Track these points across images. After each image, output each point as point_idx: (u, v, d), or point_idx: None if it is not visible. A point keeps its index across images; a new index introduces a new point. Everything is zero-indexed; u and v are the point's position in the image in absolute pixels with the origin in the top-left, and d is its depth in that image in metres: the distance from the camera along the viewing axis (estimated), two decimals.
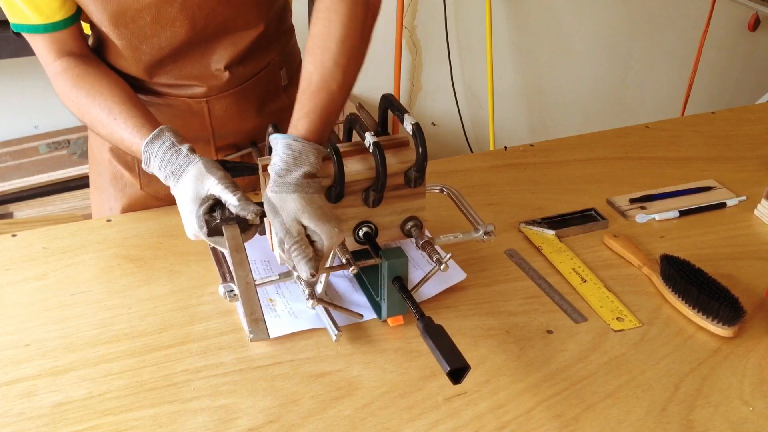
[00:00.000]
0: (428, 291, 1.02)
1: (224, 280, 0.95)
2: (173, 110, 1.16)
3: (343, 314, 0.97)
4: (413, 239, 1.00)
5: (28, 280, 1.06)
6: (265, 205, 0.89)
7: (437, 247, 1.08)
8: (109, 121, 1.00)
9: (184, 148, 0.93)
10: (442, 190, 1.11)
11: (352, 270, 0.93)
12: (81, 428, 0.83)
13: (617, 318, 1.00)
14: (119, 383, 0.89)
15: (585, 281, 1.06)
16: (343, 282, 1.06)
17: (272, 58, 1.19)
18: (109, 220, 1.19)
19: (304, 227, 0.87)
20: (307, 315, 0.98)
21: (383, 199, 0.97)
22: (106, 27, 1.04)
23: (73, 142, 2.40)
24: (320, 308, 0.96)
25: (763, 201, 1.22)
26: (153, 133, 0.95)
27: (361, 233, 0.98)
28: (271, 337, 0.92)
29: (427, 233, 1.01)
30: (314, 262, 0.85)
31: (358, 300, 1.03)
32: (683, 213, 1.22)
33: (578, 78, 3.16)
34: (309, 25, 0.97)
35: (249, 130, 1.22)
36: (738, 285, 1.06)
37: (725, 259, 1.12)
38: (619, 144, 1.44)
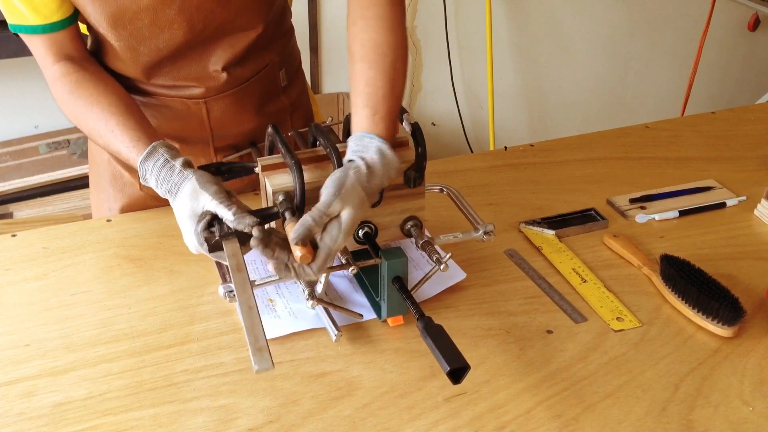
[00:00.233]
0: (428, 291, 1.02)
1: (224, 280, 0.95)
2: (171, 111, 1.16)
3: (343, 314, 0.97)
4: (413, 239, 1.00)
5: (28, 280, 1.06)
6: (334, 177, 0.89)
7: (437, 247, 1.08)
8: (106, 132, 1.00)
9: (178, 163, 0.93)
10: (441, 190, 1.11)
11: (352, 270, 0.93)
12: (81, 428, 0.83)
13: (617, 318, 1.00)
14: (119, 383, 0.89)
15: (585, 281, 1.06)
16: (343, 282, 1.06)
17: (271, 59, 1.18)
18: (109, 220, 1.19)
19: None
20: (307, 315, 0.98)
21: (383, 199, 0.97)
22: (104, 28, 1.04)
23: (73, 142, 2.40)
24: (320, 308, 0.96)
25: (763, 201, 1.22)
26: (146, 151, 0.94)
27: (360, 233, 0.98)
28: (269, 338, 0.92)
29: (426, 233, 1.01)
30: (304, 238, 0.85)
31: (358, 300, 1.03)
32: (683, 213, 1.22)
33: (578, 78, 3.16)
34: (353, 29, 0.99)
35: (248, 131, 1.21)
36: (738, 285, 1.06)
37: (725, 259, 1.12)
38: (619, 144, 1.44)
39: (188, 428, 0.84)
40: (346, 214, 0.86)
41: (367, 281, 1.01)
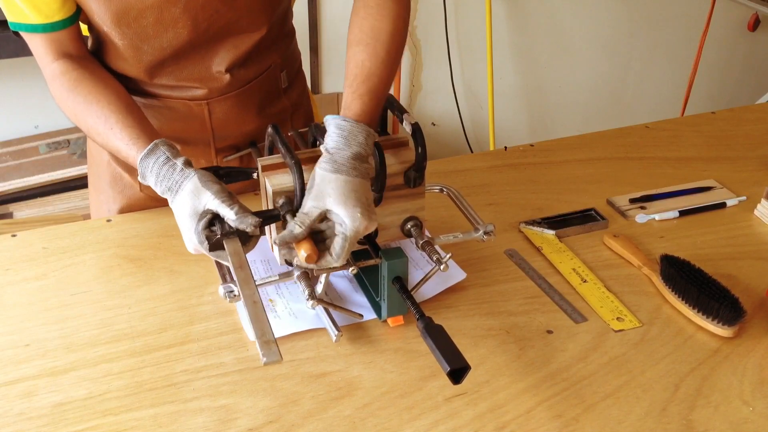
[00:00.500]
0: (428, 291, 1.02)
1: (224, 280, 0.95)
2: (173, 112, 1.16)
3: (343, 314, 0.97)
4: (413, 239, 1.00)
5: (28, 280, 1.06)
6: (309, 180, 0.91)
7: (437, 247, 1.08)
8: (105, 130, 1.00)
9: (179, 162, 0.93)
10: (442, 190, 1.11)
11: (352, 270, 0.93)
12: (81, 428, 0.83)
13: (617, 318, 1.00)
14: (119, 383, 0.89)
15: (585, 281, 1.06)
16: (343, 282, 1.06)
17: (273, 61, 1.18)
18: (108, 220, 1.19)
19: (327, 210, 0.88)
20: (307, 315, 0.98)
21: (383, 199, 0.97)
22: (107, 26, 1.04)
23: (73, 142, 2.40)
24: (320, 308, 0.96)
25: (763, 201, 1.22)
26: (148, 148, 0.94)
27: None
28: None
29: (427, 233, 1.01)
30: (288, 247, 0.88)
31: (358, 300, 1.03)
32: (683, 213, 1.22)
33: (578, 78, 3.16)
34: (354, 18, 1.02)
35: (249, 132, 1.21)
36: (738, 285, 1.06)
37: (725, 259, 1.12)
38: (619, 144, 1.44)
39: (188, 428, 0.84)
40: (330, 203, 0.88)
41: (367, 281, 1.01)
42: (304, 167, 0.93)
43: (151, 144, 0.95)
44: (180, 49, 1.07)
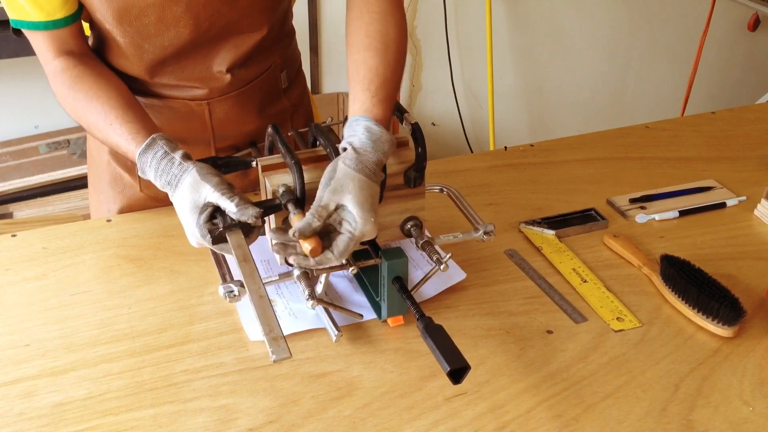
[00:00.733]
0: (428, 291, 1.02)
1: (224, 280, 0.95)
2: (174, 112, 1.16)
3: (343, 314, 0.97)
4: (413, 239, 1.00)
5: (28, 280, 1.06)
6: (326, 170, 0.90)
7: (437, 247, 1.08)
8: (105, 126, 1.00)
9: (177, 155, 0.93)
10: (442, 190, 1.11)
11: (352, 270, 0.93)
12: (81, 428, 0.84)
13: (617, 318, 1.00)
14: (119, 383, 0.89)
15: (585, 281, 1.06)
16: (343, 282, 1.06)
17: (274, 61, 1.18)
18: (108, 220, 1.19)
19: (341, 207, 0.87)
20: (307, 315, 0.98)
21: (383, 199, 0.97)
22: (109, 24, 1.04)
23: (73, 142, 2.40)
24: (320, 308, 0.96)
25: (763, 201, 1.22)
26: (146, 143, 0.94)
27: None
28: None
29: (427, 233, 1.01)
30: (309, 232, 0.86)
31: (358, 300, 1.03)
32: (683, 213, 1.22)
33: (578, 78, 3.16)
34: (357, 22, 1.02)
35: (249, 132, 1.21)
36: (738, 285, 1.06)
37: (725, 259, 1.12)
38: (619, 144, 1.44)
39: (188, 428, 0.84)
40: (348, 200, 0.87)
41: (367, 281, 1.01)
42: (304, 167, 0.93)
43: (149, 138, 0.94)
44: (181, 49, 1.07)
